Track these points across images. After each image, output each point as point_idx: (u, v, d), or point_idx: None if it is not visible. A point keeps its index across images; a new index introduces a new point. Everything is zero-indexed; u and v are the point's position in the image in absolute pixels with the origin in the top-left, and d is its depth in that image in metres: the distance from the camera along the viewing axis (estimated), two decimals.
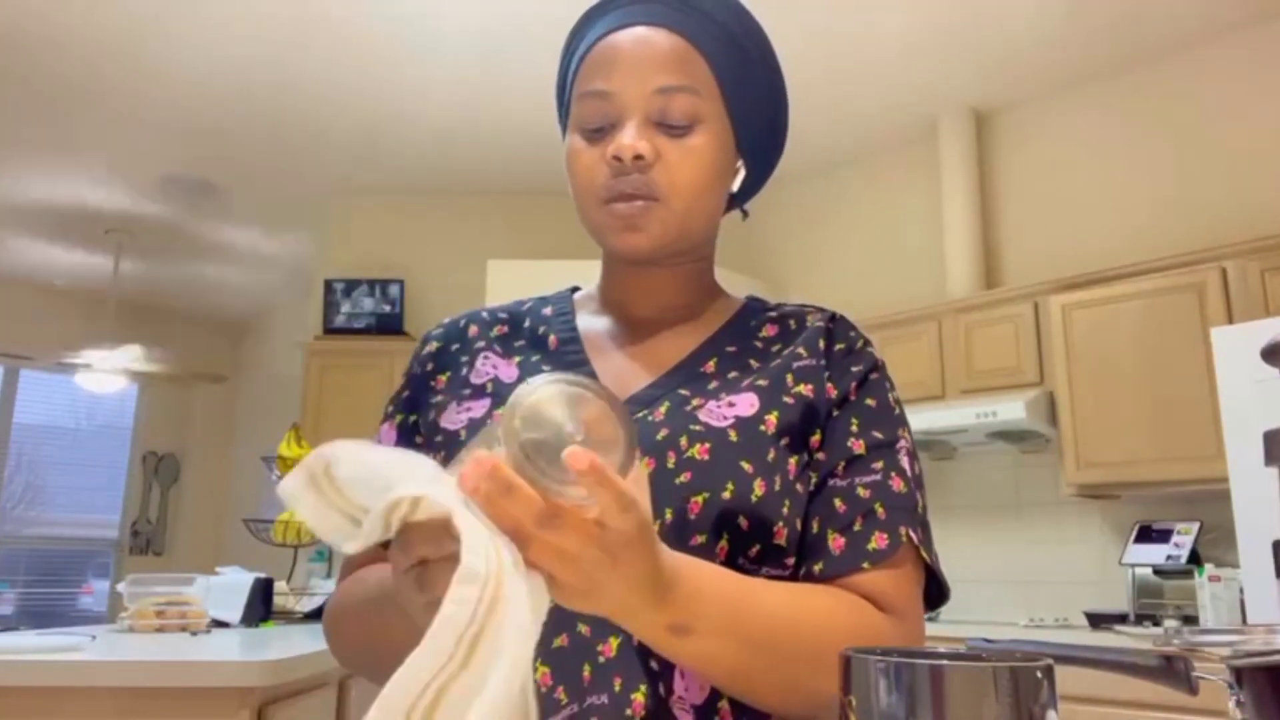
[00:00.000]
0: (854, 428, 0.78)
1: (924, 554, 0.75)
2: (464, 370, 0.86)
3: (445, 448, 0.80)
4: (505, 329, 0.90)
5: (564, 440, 0.48)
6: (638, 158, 0.76)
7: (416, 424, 0.86)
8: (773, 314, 0.88)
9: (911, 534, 0.74)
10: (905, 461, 0.78)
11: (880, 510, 0.74)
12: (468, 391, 0.83)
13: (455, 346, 0.88)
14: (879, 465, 0.77)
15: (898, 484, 0.76)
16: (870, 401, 0.80)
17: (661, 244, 0.79)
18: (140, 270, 6.27)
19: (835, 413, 0.79)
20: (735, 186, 0.85)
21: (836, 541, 0.74)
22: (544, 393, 0.49)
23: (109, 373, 5.53)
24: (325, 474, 0.52)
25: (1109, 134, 3.86)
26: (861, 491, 0.75)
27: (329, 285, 4.91)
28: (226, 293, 6.84)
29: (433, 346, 0.89)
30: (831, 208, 4.75)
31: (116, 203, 5.25)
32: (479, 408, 0.81)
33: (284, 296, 6.78)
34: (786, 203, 4.95)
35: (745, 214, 0.93)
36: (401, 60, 3.81)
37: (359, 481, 0.51)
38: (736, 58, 0.81)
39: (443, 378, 0.87)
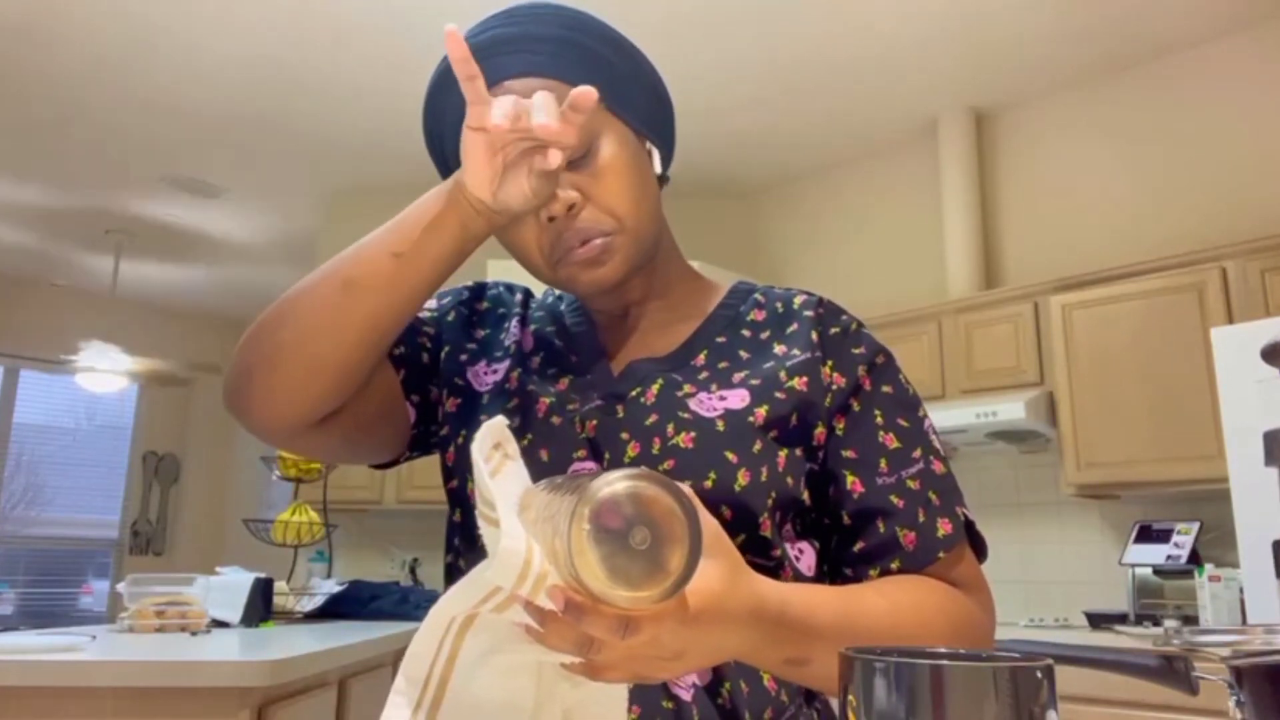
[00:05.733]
0: (880, 420, 0.80)
1: (976, 527, 0.81)
2: (502, 334, 0.91)
3: (461, 394, 0.86)
4: (534, 306, 0.95)
5: (627, 542, 0.48)
6: (570, 207, 0.76)
7: (439, 335, 0.91)
8: (760, 298, 0.89)
9: (966, 513, 0.79)
10: (934, 439, 0.82)
11: (935, 498, 0.78)
12: (499, 354, 0.88)
13: (501, 310, 0.94)
14: (918, 454, 0.79)
15: (938, 466, 0.80)
16: (887, 389, 0.82)
17: (628, 268, 0.80)
18: (140, 270, 6.27)
19: (855, 405, 0.80)
20: (659, 168, 0.84)
21: (908, 537, 0.76)
22: (613, 489, 0.48)
23: (109, 373, 5.54)
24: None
25: (1109, 133, 3.86)
26: (912, 484, 0.78)
27: None
28: (226, 293, 6.85)
29: (483, 306, 0.94)
30: (831, 208, 4.75)
31: (116, 203, 5.25)
32: (502, 369, 0.86)
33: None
34: (786, 203, 4.95)
35: (667, 180, 0.91)
36: (402, 60, 3.82)
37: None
38: (588, 60, 0.79)
39: (482, 332, 0.92)
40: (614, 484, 0.48)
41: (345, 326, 0.75)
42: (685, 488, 0.49)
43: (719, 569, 0.54)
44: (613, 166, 0.77)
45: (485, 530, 0.54)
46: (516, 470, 0.61)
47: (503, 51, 0.78)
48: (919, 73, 3.90)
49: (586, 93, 0.66)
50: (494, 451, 0.59)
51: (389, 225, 0.76)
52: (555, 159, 0.67)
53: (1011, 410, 3.38)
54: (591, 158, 0.77)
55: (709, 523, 0.53)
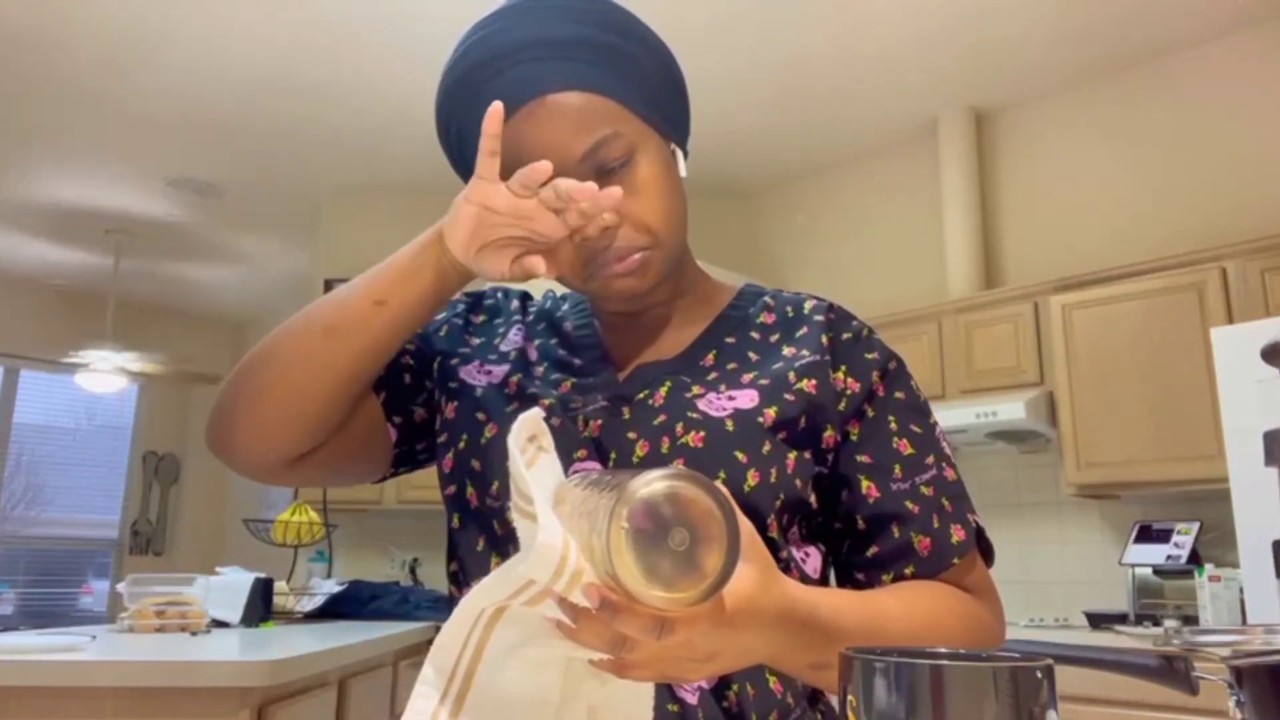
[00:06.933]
0: (894, 426, 0.80)
1: (985, 534, 0.81)
2: (496, 339, 0.91)
3: (458, 397, 0.86)
4: (532, 314, 0.95)
5: (666, 543, 0.48)
6: (606, 228, 0.76)
7: (426, 351, 0.91)
8: (769, 301, 0.89)
9: (977, 519, 0.80)
10: (945, 446, 0.82)
11: (948, 504, 0.78)
12: (494, 357, 0.88)
13: (498, 320, 0.94)
14: (931, 460, 0.80)
15: (950, 473, 0.80)
16: (899, 394, 0.82)
17: (661, 278, 0.81)
18: (140, 270, 6.27)
19: (869, 411, 0.80)
20: (684, 172, 0.83)
21: (923, 543, 0.77)
22: (653, 489, 0.48)
23: (109, 373, 5.54)
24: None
25: (1109, 133, 3.86)
26: (925, 490, 0.78)
27: (329, 285, 4.91)
28: (226, 293, 6.85)
29: (479, 318, 0.94)
30: (831, 207, 4.75)
31: (116, 203, 5.25)
32: (499, 372, 0.86)
33: (284, 297, 6.79)
34: (786, 203, 4.95)
35: None
36: (401, 60, 3.81)
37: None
38: (620, 62, 0.77)
39: (476, 340, 0.92)
40: (653, 484, 0.47)
41: (327, 369, 0.77)
42: (723, 489, 0.49)
43: (753, 571, 0.54)
44: (648, 182, 0.77)
45: (520, 524, 0.54)
46: (550, 463, 0.61)
47: (534, 58, 0.76)
48: (919, 73, 3.90)
49: (614, 194, 0.71)
50: (529, 444, 0.59)
51: (372, 272, 0.79)
52: (539, 268, 0.73)
53: (1011, 410, 3.38)
54: (628, 171, 0.77)
55: (744, 524, 0.53)
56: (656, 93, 0.80)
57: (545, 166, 0.69)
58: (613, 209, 0.72)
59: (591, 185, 0.70)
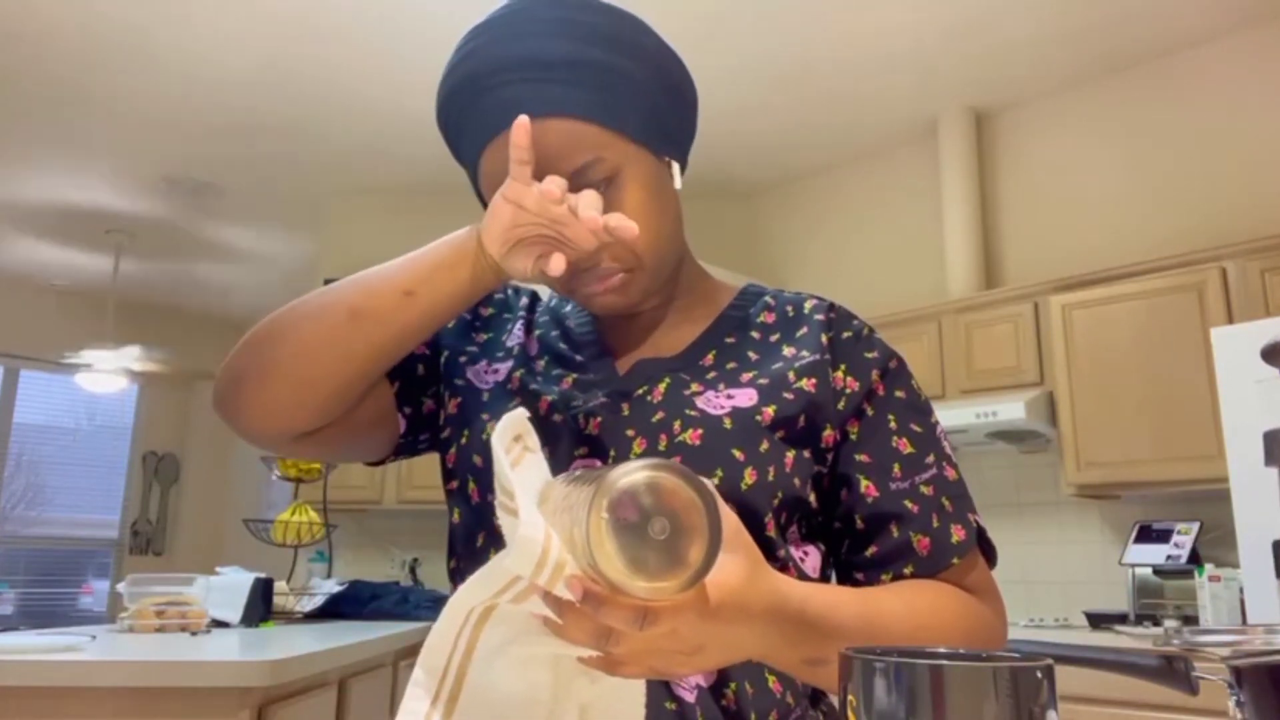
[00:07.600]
0: (893, 425, 0.80)
1: (986, 534, 0.80)
2: (504, 335, 0.91)
3: (462, 394, 0.86)
4: (539, 309, 0.95)
5: (646, 533, 0.48)
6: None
7: (436, 343, 0.91)
8: (770, 301, 0.89)
9: (978, 519, 0.79)
10: (945, 445, 0.82)
11: (948, 504, 0.78)
12: (500, 354, 0.89)
13: (506, 315, 0.94)
14: (931, 459, 0.79)
15: (950, 472, 0.80)
16: (900, 393, 0.82)
17: (645, 295, 0.81)
18: (140, 270, 6.27)
19: (869, 410, 0.80)
20: (679, 184, 0.83)
21: (922, 542, 0.76)
22: (632, 479, 0.48)
23: (109, 373, 5.54)
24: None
25: (1109, 134, 3.86)
26: (925, 489, 0.78)
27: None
28: (226, 293, 6.85)
29: (488, 312, 0.94)
30: (831, 208, 4.76)
31: (116, 203, 5.25)
32: (504, 369, 0.87)
33: (284, 296, 6.77)
34: (786, 202, 4.95)
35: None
36: (401, 60, 3.81)
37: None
38: (618, 86, 0.76)
39: (484, 335, 0.92)
40: (633, 474, 0.47)
41: (345, 354, 0.77)
42: (705, 480, 0.49)
43: (739, 564, 0.54)
44: (633, 205, 0.76)
45: (504, 520, 0.54)
46: (536, 462, 0.61)
47: (523, 79, 0.75)
48: (919, 73, 3.90)
49: (629, 229, 0.70)
50: (514, 443, 0.59)
51: (402, 261, 0.78)
52: (559, 267, 0.72)
53: (1011, 410, 3.38)
54: (612, 193, 0.76)
55: (729, 516, 0.53)
56: (652, 108, 0.78)
57: (553, 191, 0.70)
58: (631, 241, 0.72)
59: (599, 220, 0.70)
